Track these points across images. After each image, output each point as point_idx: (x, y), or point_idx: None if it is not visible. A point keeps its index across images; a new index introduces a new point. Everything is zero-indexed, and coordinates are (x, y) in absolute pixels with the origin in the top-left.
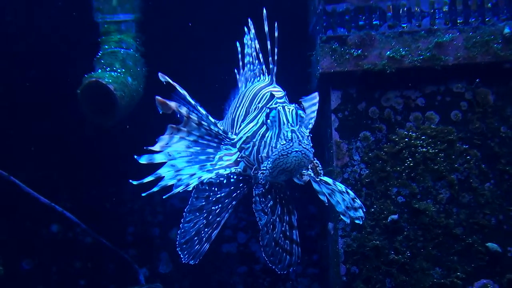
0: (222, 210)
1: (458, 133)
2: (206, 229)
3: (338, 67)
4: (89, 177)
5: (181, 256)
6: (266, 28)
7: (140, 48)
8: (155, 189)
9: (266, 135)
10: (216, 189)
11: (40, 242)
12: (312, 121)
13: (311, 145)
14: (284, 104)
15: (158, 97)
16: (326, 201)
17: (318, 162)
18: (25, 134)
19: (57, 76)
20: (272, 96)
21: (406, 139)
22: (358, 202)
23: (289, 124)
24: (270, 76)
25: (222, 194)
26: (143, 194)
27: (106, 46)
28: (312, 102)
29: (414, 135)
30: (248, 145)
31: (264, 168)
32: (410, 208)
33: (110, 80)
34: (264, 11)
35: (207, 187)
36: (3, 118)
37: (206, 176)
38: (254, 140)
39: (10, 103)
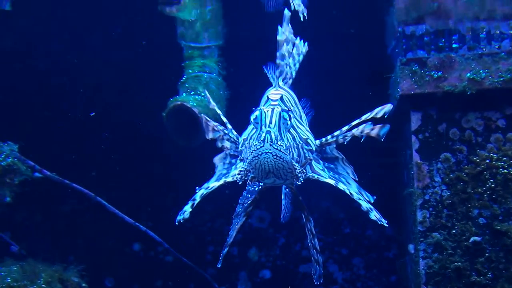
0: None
1: None
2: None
3: (418, 89)
4: (170, 196)
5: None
6: (285, 30)
7: (222, 72)
8: (184, 215)
9: (253, 137)
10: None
11: (123, 260)
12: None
13: (291, 146)
14: (272, 106)
15: (203, 115)
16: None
17: (296, 164)
18: (109, 155)
19: (142, 99)
20: (268, 99)
21: (487, 161)
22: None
23: (268, 125)
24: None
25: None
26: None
27: (190, 71)
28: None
29: (495, 156)
30: (242, 147)
31: (241, 169)
32: (492, 229)
33: (194, 104)
34: (287, 12)
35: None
36: (90, 139)
37: (215, 184)
38: (246, 142)
39: (94, 126)
